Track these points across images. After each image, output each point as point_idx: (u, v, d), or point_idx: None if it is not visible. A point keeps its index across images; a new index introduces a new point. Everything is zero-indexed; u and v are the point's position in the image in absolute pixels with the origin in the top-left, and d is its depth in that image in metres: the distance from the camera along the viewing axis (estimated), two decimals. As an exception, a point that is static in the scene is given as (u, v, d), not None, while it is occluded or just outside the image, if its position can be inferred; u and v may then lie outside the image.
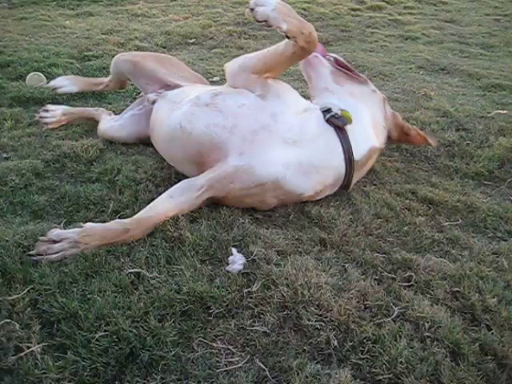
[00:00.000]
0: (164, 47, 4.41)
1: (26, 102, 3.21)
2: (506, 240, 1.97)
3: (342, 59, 2.33)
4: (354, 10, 5.73)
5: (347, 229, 1.92)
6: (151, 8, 5.80)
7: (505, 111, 3.11)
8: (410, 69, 3.94)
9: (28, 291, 1.54)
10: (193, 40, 4.52)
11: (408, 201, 2.13)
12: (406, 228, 1.96)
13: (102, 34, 4.67)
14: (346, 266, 1.73)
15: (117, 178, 2.19)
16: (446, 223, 2.03)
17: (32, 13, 5.59)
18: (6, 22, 5.17)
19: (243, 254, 1.74)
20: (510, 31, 5.18)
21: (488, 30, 5.18)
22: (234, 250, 1.74)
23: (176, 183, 2.16)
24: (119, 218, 1.93)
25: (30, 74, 3.52)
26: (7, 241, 1.74)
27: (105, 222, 1.93)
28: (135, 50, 4.23)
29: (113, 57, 4.00)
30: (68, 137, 2.69)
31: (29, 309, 1.48)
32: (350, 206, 2.07)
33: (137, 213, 1.92)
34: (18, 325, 1.42)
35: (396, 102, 3.20)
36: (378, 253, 1.82)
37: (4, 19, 5.32)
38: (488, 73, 3.86)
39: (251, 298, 1.56)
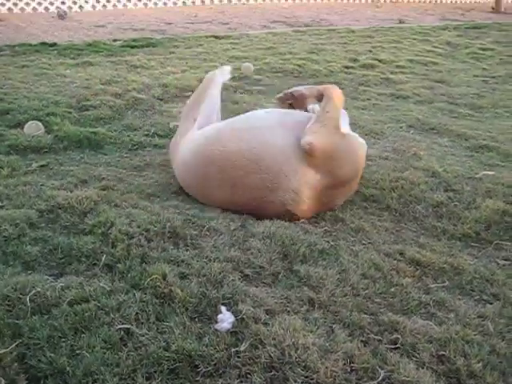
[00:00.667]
0: (161, 99, 4.51)
1: (24, 151, 3.27)
2: (491, 303, 1.99)
3: None
4: (347, 67, 5.89)
5: (335, 289, 1.95)
6: (150, 60, 5.94)
7: (492, 172, 3.18)
8: (401, 127, 4.04)
9: (16, 345, 1.54)
10: (189, 93, 4.60)
11: (396, 261, 2.16)
12: (393, 289, 1.98)
13: (101, 84, 4.77)
14: (334, 326, 1.75)
15: (110, 231, 2.22)
16: (433, 285, 2.06)
17: (34, 61, 5.71)
18: (8, 70, 5.28)
19: (232, 312, 1.76)
20: (497, 93, 5.33)
21: (476, 91, 5.33)
22: (223, 309, 1.76)
23: (170, 239, 2.21)
24: (110, 272, 1.96)
25: (28, 123, 3.59)
26: (-3, 293, 1.75)
27: (96, 275, 1.96)
28: (132, 102, 4.34)
29: (110, 107, 4.15)
30: (63, 187, 2.73)
31: (16, 363, 1.49)
32: (338, 266, 2.10)
33: (129, 267, 1.95)
34: (3, 380, 1.42)
35: (386, 160, 3.27)
36: (365, 314, 1.84)
37: (6, 66, 5.44)
38: (476, 133, 3.96)
39: (239, 357, 1.57)
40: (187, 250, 2.16)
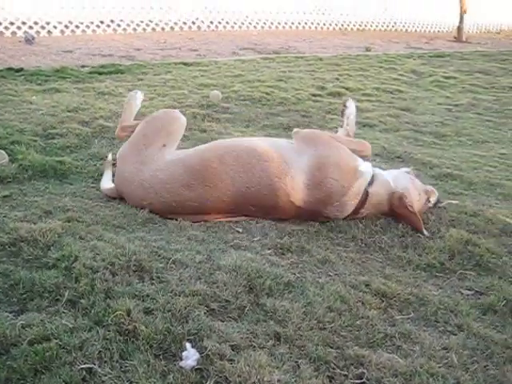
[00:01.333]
0: (128, 127, 4.49)
1: (-14, 181, 3.20)
2: (455, 334, 2.02)
3: None
4: (314, 95, 5.97)
5: (301, 322, 1.95)
6: (118, 86, 5.92)
7: (456, 201, 3.24)
8: (367, 156, 4.10)
9: (-27, 389, 1.50)
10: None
11: (362, 293, 2.18)
12: (359, 322, 1.99)
13: (68, 111, 4.73)
14: (299, 361, 1.74)
15: (74, 265, 2.18)
16: (399, 317, 2.08)
17: (-1, 87, 5.64)
18: (-28, 96, 5.21)
19: (197, 348, 1.74)
20: (460, 121, 5.47)
21: (440, 120, 5.45)
22: (187, 345, 1.74)
23: (135, 272, 2.18)
24: (73, 308, 1.92)
25: (-9, 152, 3.52)
26: (-47, 333, 1.70)
27: (58, 311, 1.91)
28: (99, 130, 4.30)
29: (77, 135, 4.11)
30: (27, 219, 2.67)
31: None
32: (304, 299, 2.10)
33: (92, 303, 1.91)
34: None
35: (352, 190, 3.31)
36: (331, 348, 1.84)
37: (-31, 93, 5.36)
38: (440, 162, 4.04)
39: (203, 396, 1.55)
40: (153, 284, 2.14)
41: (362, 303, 2.11)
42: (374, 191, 2.83)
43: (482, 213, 3.07)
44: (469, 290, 2.37)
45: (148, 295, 2.04)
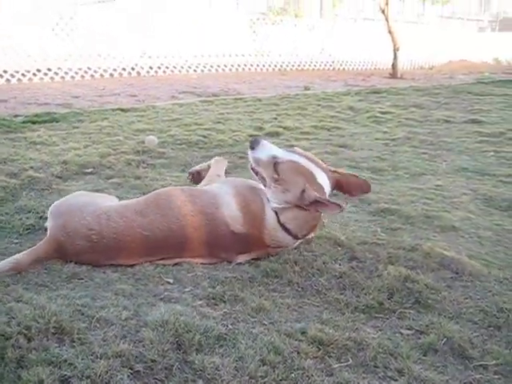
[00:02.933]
0: (60, 177, 4.31)
1: None
2: (396, 380, 1.93)
3: None
4: (252, 136, 5.93)
5: (232, 380, 1.82)
6: (51, 136, 5.75)
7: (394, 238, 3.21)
8: (305, 195, 4.05)
9: None
10: (90, 169, 4.47)
11: (297, 342, 2.06)
12: (293, 374, 1.87)
13: (-5, 163, 4.53)
14: (230, 425, 1.61)
15: (-16, 332, 2.00)
16: (336, 365, 1.97)
17: None
18: None
19: (117, 419, 1.59)
20: (397, 155, 5.53)
21: (378, 154, 5.50)
22: (105, 417, 1.58)
23: (54, 335, 2.02)
24: (-21, 382, 1.74)
25: None
26: None
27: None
28: (28, 181, 4.12)
29: (3, 188, 3.91)
30: None
31: None
32: (236, 352, 1.97)
33: (1, 375, 1.74)
34: None
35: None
36: (264, 406, 1.72)
37: None
38: (378, 197, 4.03)
39: None
40: (73, 347, 1.97)
41: (298, 353, 2.00)
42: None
43: (419, 247, 3.03)
44: (409, 329, 2.29)
45: (66, 360, 1.87)
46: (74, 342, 2.02)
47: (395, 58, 15.24)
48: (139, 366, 1.88)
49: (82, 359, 1.87)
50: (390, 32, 15.32)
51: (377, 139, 6.31)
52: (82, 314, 2.20)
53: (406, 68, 18.23)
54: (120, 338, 2.03)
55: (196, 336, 2.04)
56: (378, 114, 7.87)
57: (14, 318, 2.11)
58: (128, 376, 1.81)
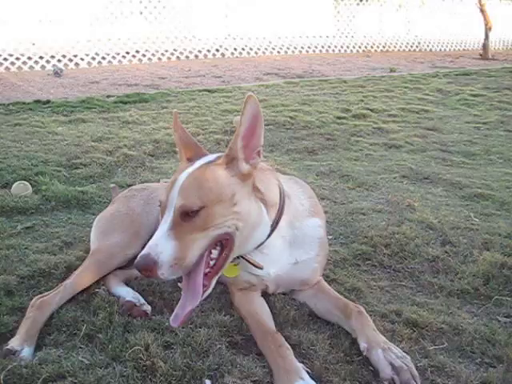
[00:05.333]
0: (152, 155, 4.48)
1: (10, 212, 3.19)
2: (494, 366, 1.88)
3: None
4: (339, 118, 5.89)
5: (327, 355, 1.84)
6: (142, 115, 5.96)
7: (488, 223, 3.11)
8: (394, 178, 3.99)
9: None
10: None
11: (391, 324, 2.06)
12: (388, 354, 1.88)
13: (92, 141, 4.76)
14: (326, 398, 1.64)
15: (92, 299, 2.13)
16: (431, 348, 1.95)
17: (26, 119, 5.71)
18: (0, 128, 5.27)
19: (218, 385, 1.66)
20: (489, 139, 5.32)
21: (469, 138, 5.31)
22: (207, 382, 1.66)
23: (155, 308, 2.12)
24: (91, 342, 1.86)
25: (16, 183, 3.53)
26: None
27: (75, 347, 1.86)
28: (123, 159, 4.30)
29: (100, 165, 4.11)
30: (47, 250, 2.65)
31: None
32: (329, 330, 2.00)
33: (110, 337, 1.85)
34: None
35: (380, 213, 3.21)
36: (359, 383, 1.73)
37: (-2, 125, 5.44)
38: (470, 182, 3.91)
39: None
40: (173, 316, 2.07)
41: (392, 334, 2.00)
42: None
43: (516, 234, 2.93)
44: (506, 317, 2.22)
45: (167, 328, 1.97)
46: (173, 312, 2.11)
47: (486, 38, 14.54)
48: (238, 338, 1.94)
49: (183, 328, 1.95)
50: (482, 11, 14.62)
51: (467, 122, 6.09)
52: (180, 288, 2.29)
53: (497, 49, 17.38)
54: (217, 310, 2.11)
55: (290, 312, 2.08)
56: (469, 97, 7.58)
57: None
58: (226, 346, 1.88)
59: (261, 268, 2.03)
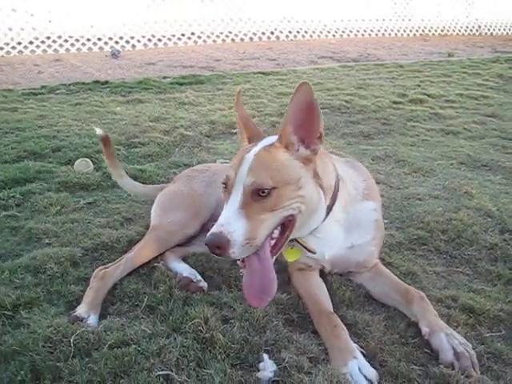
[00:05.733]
0: (208, 136, 4.54)
1: (73, 187, 3.32)
2: (552, 356, 1.86)
3: None
4: (395, 102, 5.81)
5: (382, 336, 1.86)
6: (198, 96, 6.03)
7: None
8: (451, 165, 3.92)
9: (56, 390, 1.53)
10: (236, 130, 4.64)
11: (447, 309, 2.06)
12: (444, 338, 1.88)
13: (150, 121, 4.86)
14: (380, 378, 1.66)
15: (153, 272, 2.21)
16: (488, 334, 1.94)
17: (86, 98, 5.89)
18: (62, 108, 5.45)
19: (275, 359, 1.71)
20: (553, 127, 5.14)
21: (531, 126, 5.15)
22: (265, 357, 1.70)
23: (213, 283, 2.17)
24: (152, 314, 1.94)
25: (78, 160, 3.67)
26: (39, 334, 1.75)
27: (137, 317, 1.94)
28: (180, 139, 4.38)
29: (158, 144, 4.20)
30: (109, 225, 2.75)
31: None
32: (385, 311, 2.02)
33: (170, 310, 1.92)
34: None
35: (436, 199, 3.17)
36: (414, 365, 1.75)
37: (60, 104, 5.62)
38: (532, 170, 3.81)
39: (280, 409, 1.51)
40: (231, 292, 2.13)
41: (448, 318, 1.99)
42: None
43: None
44: None
45: (226, 303, 2.03)
46: (231, 287, 2.17)
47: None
48: (294, 315, 1.98)
49: (241, 303, 2.01)
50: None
51: (530, 109, 5.89)
52: (237, 265, 2.34)
53: None
54: (274, 288, 2.15)
55: (346, 293, 2.11)
56: (532, 83, 7.31)
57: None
58: (283, 324, 1.93)
59: (314, 252, 2.05)
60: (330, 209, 1.99)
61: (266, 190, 1.74)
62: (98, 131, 3.07)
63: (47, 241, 2.59)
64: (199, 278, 2.19)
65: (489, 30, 16.07)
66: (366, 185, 2.21)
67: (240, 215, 1.72)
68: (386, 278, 2.14)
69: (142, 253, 2.27)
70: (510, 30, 16.43)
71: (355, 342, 1.80)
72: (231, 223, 1.70)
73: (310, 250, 2.05)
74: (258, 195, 1.74)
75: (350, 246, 2.13)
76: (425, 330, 1.84)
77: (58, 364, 1.65)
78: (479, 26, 16.07)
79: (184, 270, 2.23)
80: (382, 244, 2.30)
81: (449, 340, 1.77)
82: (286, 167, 1.83)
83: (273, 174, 1.78)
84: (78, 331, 1.76)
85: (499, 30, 16.24)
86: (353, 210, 2.11)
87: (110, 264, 2.23)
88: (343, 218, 2.09)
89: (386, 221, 2.78)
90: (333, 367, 1.66)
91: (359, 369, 1.66)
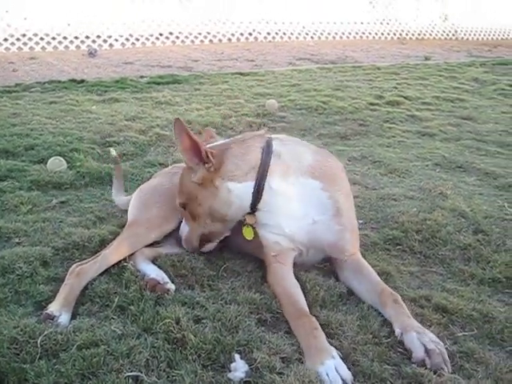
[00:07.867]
0: (184, 135, 4.50)
1: (45, 186, 3.26)
2: (524, 355, 1.87)
3: None
4: (372, 104, 5.83)
5: (355, 336, 1.85)
6: (175, 96, 5.99)
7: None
8: (427, 166, 3.95)
9: (21, 392, 1.49)
10: (213, 130, 4.62)
11: (421, 308, 2.06)
12: (417, 338, 1.87)
13: (126, 120, 4.80)
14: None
15: (123, 272, 2.17)
16: (461, 334, 1.95)
17: (61, 97, 5.80)
18: (37, 106, 5.37)
19: (247, 360, 1.69)
20: (527, 130, 5.21)
21: (505, 128, 5.20)
22: (237, 357, 1.68)
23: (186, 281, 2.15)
24: (123, 314, 1.90)
25: (51, 159, 3.60)
26: (4, 335, 1.71)
27: (108, 317, 1.90)
28: (156, 138, 4.34)
29: (134, 144, 4.15)
30: (81, 224, 2.70)
31: (19, 412, 1.42)
32: (359, 311, 2.01)
33: (141, 310, 1.89)
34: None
35: (411, 200, 3.18)
36: (387, 364, 1.74)
37: (35, 102, 5.53)
38: (505, 172, 3.85)
39: (251, 410, 1.49)
40: (203, 292, 2.10)
41: (421, 318, 1.99)
42: None
43: (551, 225, 2.88)
44: (538, 307, 2.20)
45: (198, 303, 2.00)
46: (204, 287, 2.15)
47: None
48: (267, 315, 1.97)
49: (213, 303, 1.99)
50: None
51: (504, 113, 5.96)
52: (211, 263, 2.32)
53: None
54: (247, 288, 2.13)
55: (320, 293, 2.09)
56: (506, 87, 7.39)
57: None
58: (255, 323, 1.90)
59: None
60: (259, 184, 2.08)
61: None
62: (113, 153, 3.29)
63: (17, 240, 2.53)
64: (167, 279, 2.15)
65: (465, 34, 16.27)
66: (315, 163, 2.19)
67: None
68: (366, 275, 2.15)
69: (119, 249, 2.24)
70: (485, 35, 16.66)
71: (328, 342, 1.79)
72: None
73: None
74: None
75: (311, 222, 2.14)
76: (398, 331, 1.86)
77: (24, 366, 1.61)
78: (455, 31, 16.27)
79: (151, 271, 2.20)
80: (354, 231, 2.26)
81: (420, 338, 1.78)
82: (187, 187, 2.24)
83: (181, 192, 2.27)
84: (46, 332, 1.72)
85: (475, 35, 16.45)
86: (298, 182, 2.14)
87: (86, 260, 2.19)
88: (288, 190, 2.12)
89: (360, 221, 2.79)
90: (307, 366, 1.65)
91: (335, 368, 1.65)
